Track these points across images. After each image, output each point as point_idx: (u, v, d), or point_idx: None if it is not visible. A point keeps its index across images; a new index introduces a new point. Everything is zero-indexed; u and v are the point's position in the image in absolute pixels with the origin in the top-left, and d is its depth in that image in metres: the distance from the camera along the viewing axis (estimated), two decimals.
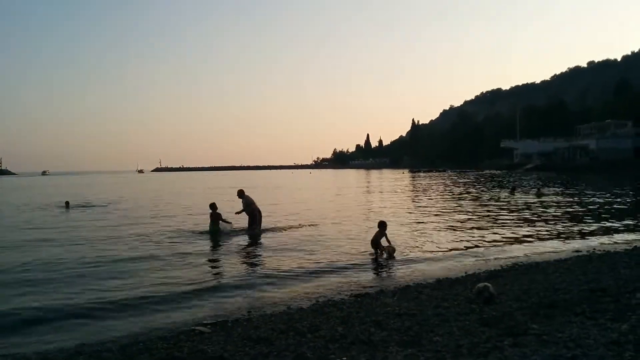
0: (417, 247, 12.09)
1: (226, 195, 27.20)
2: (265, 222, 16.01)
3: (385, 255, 10.81)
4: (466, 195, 31.78)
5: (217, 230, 14.69)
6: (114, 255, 11.57)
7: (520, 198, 26.86)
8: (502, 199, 26.55)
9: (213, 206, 15.06)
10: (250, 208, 15.28)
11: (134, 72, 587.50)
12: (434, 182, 54.68)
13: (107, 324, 6.53)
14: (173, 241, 13.57)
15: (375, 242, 11.05)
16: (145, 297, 7.80)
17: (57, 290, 8.35)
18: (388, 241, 11.15)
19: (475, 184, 47.26)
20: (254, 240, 13.77)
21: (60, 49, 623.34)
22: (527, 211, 20.25)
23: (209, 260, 11.03)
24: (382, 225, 11.16)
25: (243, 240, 13.82)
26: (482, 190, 35.79)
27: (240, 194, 15.84)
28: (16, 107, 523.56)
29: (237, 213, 15.33)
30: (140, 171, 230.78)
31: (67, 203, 26.81)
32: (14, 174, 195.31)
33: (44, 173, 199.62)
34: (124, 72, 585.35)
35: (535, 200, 25.39)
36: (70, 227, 17.63)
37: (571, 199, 25.40)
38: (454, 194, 32.79)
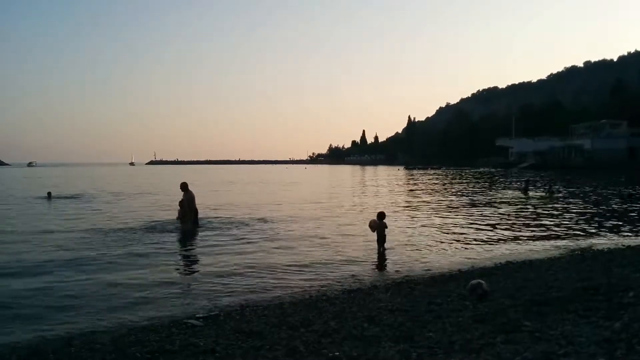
0: (411, 243, 12.09)
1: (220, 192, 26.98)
2: (259, 216, 15.91)
3: (382, 250, 10.77)
4: (463, 192, 31.84)
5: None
6: (101, 248, 11.48)
7: (536, 199, 24.51)
8: (513, 200, 24.55)
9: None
10: (193, 204, 14.66)
11: (131, 65, 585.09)
12: (430, 179, 54.78)
13: (99, 316, 6.48)
14: (158, 235, 13.43)
15: (381, 237, 10.83)
16: (137, 290, 7.77)
17: (45, 282, 8.29)
18: (386, 227, 11.04)
19: (476, 181, 47.35)
20: (190, 236, 13.34)
21: (57, 43, 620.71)
22: (530, 210, 20.29)
23: (199, 255, 10.96)
24: (382, 215, 11.08)
25: (229, 234, 13.69)
26: (484, 188, 35.85)
27: (185, 187, 14.65)
28: (9, 98, 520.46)
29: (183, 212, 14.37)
30: (132, 164, 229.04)
31: (49, 194, 26.76)
32: (6, 164, 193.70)
33: (30, 164, 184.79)
34: (119, 65, 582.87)
35: (550, 200, 23.82)
36: (59, 218, 17.56)
37: (566, 198, 25.47)
38: (450, 191, 32.84)
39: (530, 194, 27.26)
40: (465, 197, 27.51)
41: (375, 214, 11.26)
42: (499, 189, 34.53)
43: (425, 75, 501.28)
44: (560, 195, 27.20)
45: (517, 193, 28.80)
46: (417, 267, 9.49)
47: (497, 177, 55.31)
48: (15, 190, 35.66)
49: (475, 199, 26.34)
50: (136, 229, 14.14)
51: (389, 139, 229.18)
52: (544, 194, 27.11)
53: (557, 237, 13.05)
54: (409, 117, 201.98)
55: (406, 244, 11.89)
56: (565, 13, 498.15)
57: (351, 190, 36.94)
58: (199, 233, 13.76)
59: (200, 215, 15.10)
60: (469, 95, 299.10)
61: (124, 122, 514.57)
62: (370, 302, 6.40)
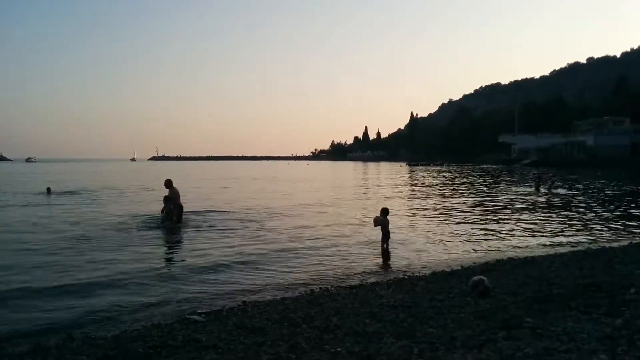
0: (413, 240, 12.09)
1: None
2: (261, 213, 15.85)
3: (385, 246, 10.75)
4: (467, 189, 31.79)
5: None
6: (100, 245, 11.45)
7: (540, 196, 24.29)
8: (521, 197, 24.15)
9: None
10: (178, 201, 14.57)
11: (132, 62, 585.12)
12: (433, 175, 54.70)
13: (101, 311, 6.51)
14: (157, 232, 13.43)
15: (385, 233, 10.78)
16: (138, 287, 7.79)
17: (45, 280, 8.28)
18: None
19: (480, 178, 47.24)
20: (173, 232, 13.29)
21: (58, 41, 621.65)
22: (533, 207, 20.27)
23: (201, 252, 10.89)
24: (386, 212, 11.04)
25: (231, 231, 13.68)
26: (488, 185, 35.76)
27: (169, 184, 14.65)
28: (12, 95, 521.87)
29: (167, 208, 14.31)
30: (133, 160, 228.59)
31: (48, 189, 26.79)
32: (8, 159, 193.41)
33: (28, 160, 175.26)
34: (121, 63, 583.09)
35: (551, 197, 23.89)
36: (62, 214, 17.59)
37: (568, 195, 25.41)
38: (453, 189, 32.78)
39: (542, 190, 27.27)
40: (469, 194, 27.47)
41: (379, 211, 11.25)
42: (506, 185, 34.46)
43: (428, 71, 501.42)
44: (561, 192, 27.19)
45: (527, 190, 28.80)
46: (419, 263, 9.50)
47: (501, 174, 55.17)
48: (14, 185, 35.65)
49: (480, 196, 26.30)
50: (134, 227, 14.09)
51: (391, 135, 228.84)
52: (546, 190, 27.15)
53: (559, 234, 13.04)
54: (412, 113, 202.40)
55: (408, 241, 11.89)
56: (568, 9, 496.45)
57: (354, 186, 36.89)
58: (202, 230, 13.76)
59: (201, 209, 15.07)
60: (472, 92, 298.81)
61: (126, 118, 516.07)
62: (372, 298, 6.41)
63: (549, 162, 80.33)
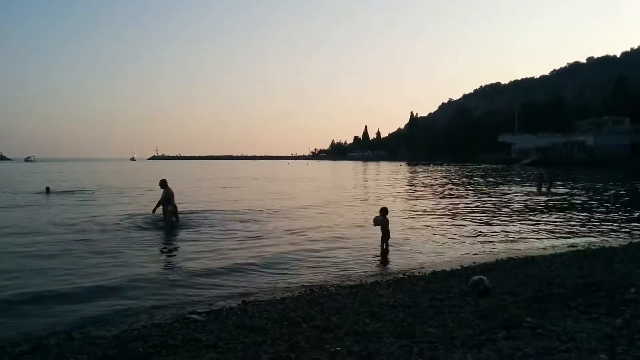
0: (413, 240, 12.09)
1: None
2: (261, 213, 15.80)
3: (385, 245, 10.73)
4: (463, 188, 31.78)
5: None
6: (99, 245, 11.42)
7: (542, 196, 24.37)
8: (521, 197, 24.27)
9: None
10: (173, 201, 14.47)
11: (132, 62, 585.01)
12: (433, 175, 54.67)
13: (101, 310, 6.51)
14: (155, 232, 13.40)
15: (385, 233, 10.72)
16: (139, 285, 7.79)
17: (45, 279, 8.28)
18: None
19: (479, 177, 47.21)
20: (173, 233, 13.30)
21: (58, 41, 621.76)
22: (533, 206, 20.26)
23: (201, 250, 10.90)
24: (385, 211, 11.04)
25: (230, 230, 13.67)
26: (489, 185, 35.75)
27: (164, 184, 14.49)
28: (12, 95, 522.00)
29: (165, 209, 14.27)
30: (133, 159, 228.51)
31: (47, 189, 26.77)
32: (8, 159, 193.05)
33: (27, 159, 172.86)
34: (121, 62, 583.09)
35: (550, 196, 23.97)
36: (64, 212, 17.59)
37: (568, 194, 25.43)
38: (454, 188, 32.77)
39: (543, 190, 27.32)
40: (469, 194, 27.46)
41: (379, 210, 11.24)
42: (506, 185, 34.43)
43: (428, 71, 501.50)
44: (561, 191, 27.22)
45: (528, 189, 28.78)
46: (418, 263, 9.49)
47: (501, 174, 55.14)
48: (14, 185, 35.59)
49: (480, 196, 26.29)
50: (133, 227, 14.04)
51: (391, 135, 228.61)
52: (545, 190, 27.21)
53: (560, 233, 13.04)
54: (412, 112, 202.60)
55: (408, 241, 11.88)
56: (568, 9, 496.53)
57: (354, 186, 36.88)
58: (202, 230, 13.75)
59: (201, 209, 15.04)
60: (472, 91, 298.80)
61: (126, 118, 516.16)
62: (372, 297, 6.41)
63: (549, 161, 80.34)
